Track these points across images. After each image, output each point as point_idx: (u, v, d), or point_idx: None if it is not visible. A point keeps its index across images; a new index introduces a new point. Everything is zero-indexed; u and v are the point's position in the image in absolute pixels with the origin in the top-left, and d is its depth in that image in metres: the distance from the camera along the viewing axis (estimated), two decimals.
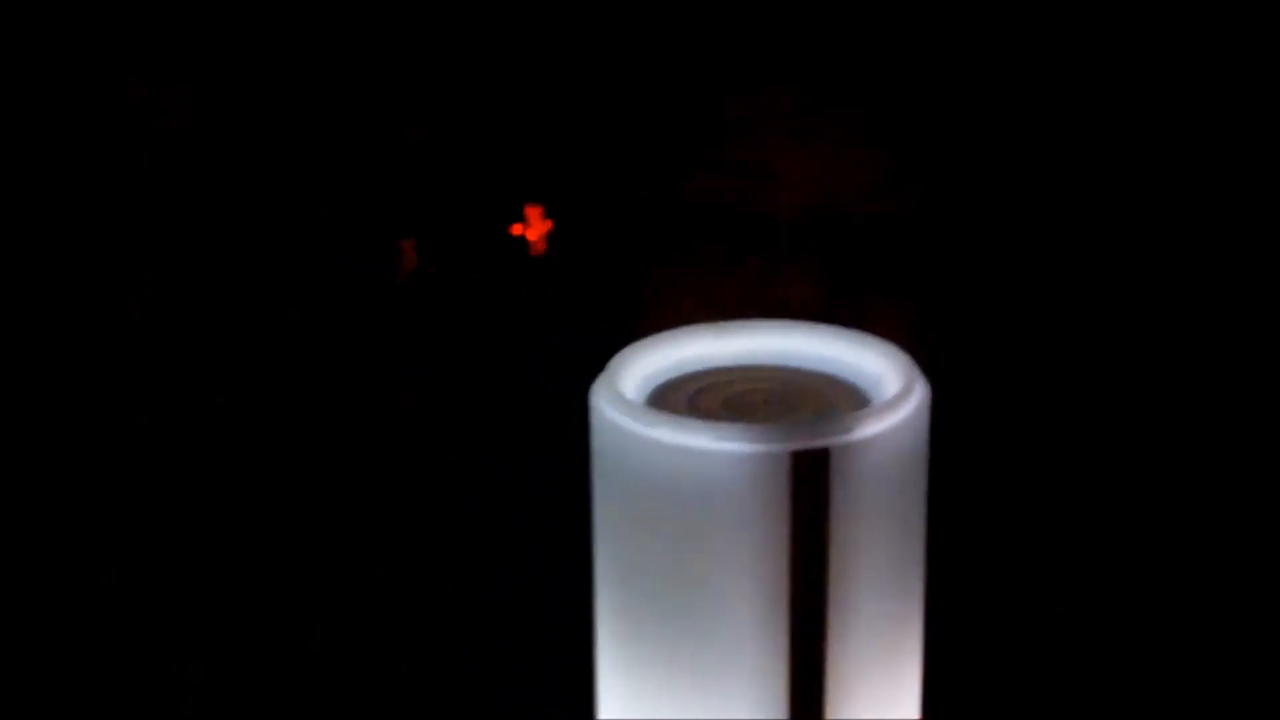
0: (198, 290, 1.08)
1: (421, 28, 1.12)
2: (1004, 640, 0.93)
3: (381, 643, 0.93)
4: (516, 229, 1.10)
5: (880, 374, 0.56)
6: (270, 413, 1.05)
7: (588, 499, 0.58)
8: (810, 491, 0.52)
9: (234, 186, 1.09)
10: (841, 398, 0.57)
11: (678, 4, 1.10)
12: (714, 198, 1.10)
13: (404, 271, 1.09)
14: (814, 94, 1.11)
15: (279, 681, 0.93)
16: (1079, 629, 0.94)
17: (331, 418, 1.05)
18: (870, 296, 1.06)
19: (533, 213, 1.10)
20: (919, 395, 0.55)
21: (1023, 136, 1.10)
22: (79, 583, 0.99)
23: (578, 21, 1.10)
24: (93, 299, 1.06)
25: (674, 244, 1.10)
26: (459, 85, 1.12)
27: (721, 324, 0.60)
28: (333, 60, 1.11)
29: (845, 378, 0.58)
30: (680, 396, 0.57)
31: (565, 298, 1.09)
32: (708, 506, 0.52)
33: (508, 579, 0.96)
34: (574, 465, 0.63)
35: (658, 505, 0.53)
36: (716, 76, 1.11)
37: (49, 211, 1.07)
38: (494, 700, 0.81)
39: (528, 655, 0.88)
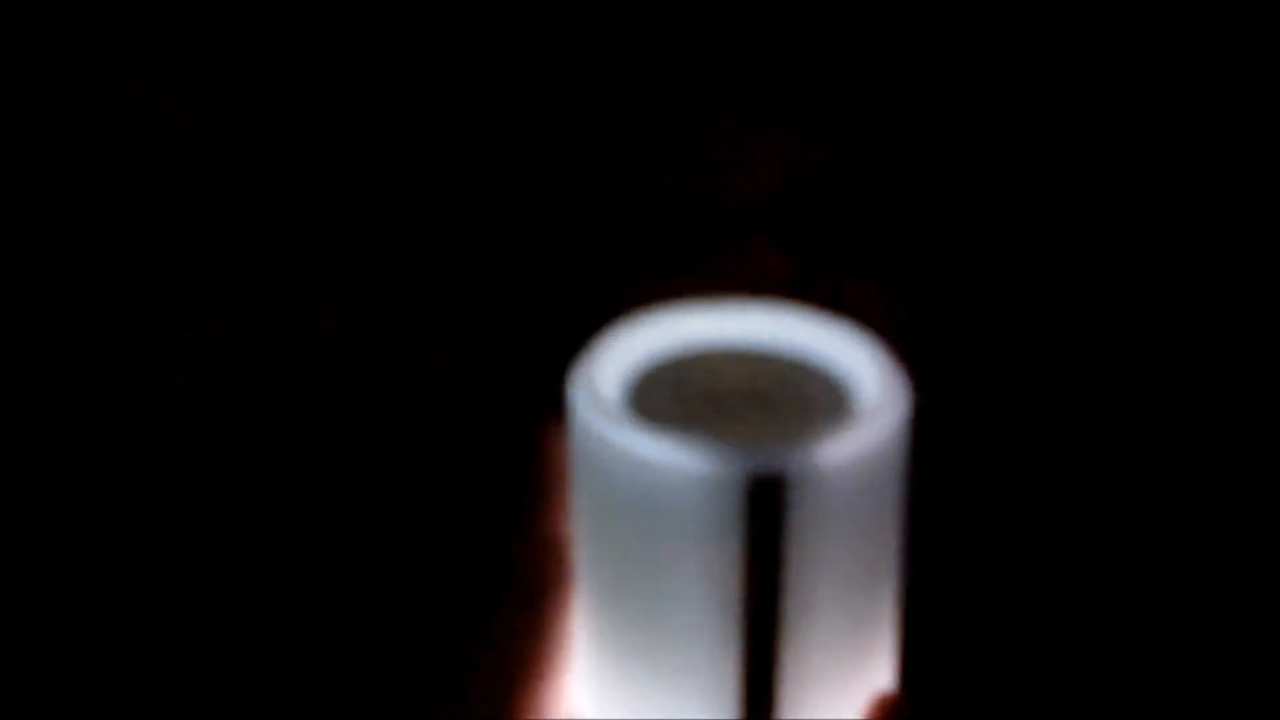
0: (198, 290, 1.08)
1: (422, 28, 1.12)
2: (1004, 642, 0.93)
3: (367, 643, 0.93)
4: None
5: (864, 378, 0.53)
6: (270, 413, 1.05)
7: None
8: (766, 516, 0.49)
9: (234, 186, 1.09)
10: (827, 400, 0.54)
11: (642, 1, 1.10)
12: (682, 186, 1.10)
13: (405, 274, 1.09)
14: (785, 83, 1.11)
15: (277, 681, 0.93)
16: (1079, 631, 0.94)
17: (331, 417, 1.05)
18: (850, 277, 1.06)
19: None
20: (896, 411, 0.51)
21: (1015, 133, 1.10)
22: (72, 583, 0.99)
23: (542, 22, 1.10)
24: (93, 299, 1.06)
25: (645, 233, 1.10)
26: (459, 85, 1.12)
27: (715, 303, 0.56)
28: (332, 60, 1.11)
29: (836, 375, 0.55)
30: (664, 385, 0.54)
31: (542, 290, 1.09)
32: (664, 518, 0.50)
33: (507, 579, 0.95)
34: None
35: (619, 508, 0.51)
36: (685, 71, 1.11)
37: (48, 211, 1.07)
38: (449, 693, 0.80)
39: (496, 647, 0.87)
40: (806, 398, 0.54)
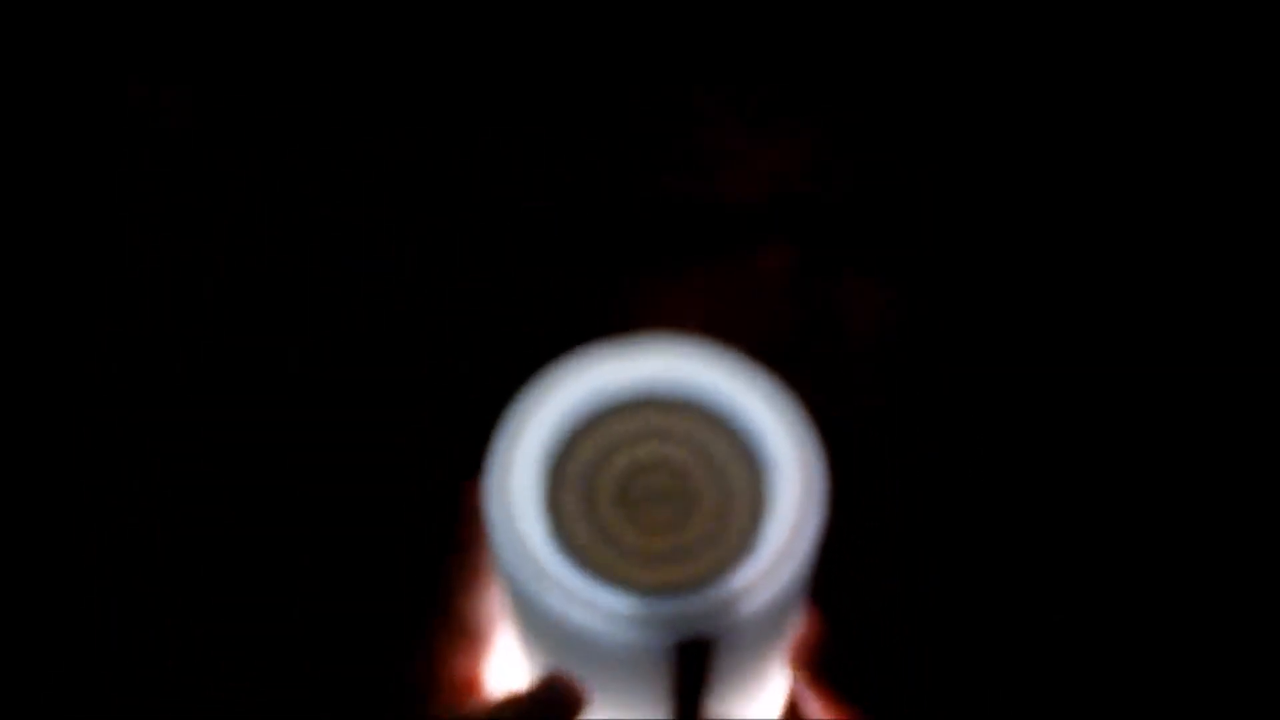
0: (198, 290, 1.08)
1: (421, 28, 1.12)
2: (1003, 642, 0.93)
3: (367, 643, 0.93)
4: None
5: (785, 465, 0.50)
6: (270, 413, 1.05)
7: None
8: (690, 661, 0.49)
9: (234, 186, 1.09)
10: (744, 484, 0.50)
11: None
12: (682, 186, 1.10)
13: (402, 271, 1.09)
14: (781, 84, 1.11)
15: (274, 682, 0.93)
16: (1078, 631, 0.94)
17: (331, 417, 1.05)
18: (850, 277, 1.05)
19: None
20: (812, 527, 0.49)
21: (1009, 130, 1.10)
22: (72, 583, 0.99)
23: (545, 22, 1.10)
24: (93, 299, 1.06)
25: (645, 233, 1.10)
26: (459, 85, 1.12)
27: (631, 344, 0.52)
28: (332, 61, 1.11)
29: (754, 450, 0.51)
30: (578, 470, 0.51)
31: (542, 290, 1.09)
32: (588, 643, 0.49)
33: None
34: None
35: (542, 620, 0.50)
36: (681, 71, 1.11)
37: (48, 211, 1.07)
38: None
39: None
40: (724, 486, 0.51)
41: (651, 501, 0.50)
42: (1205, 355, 1.04)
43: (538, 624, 0.51)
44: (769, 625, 0.51)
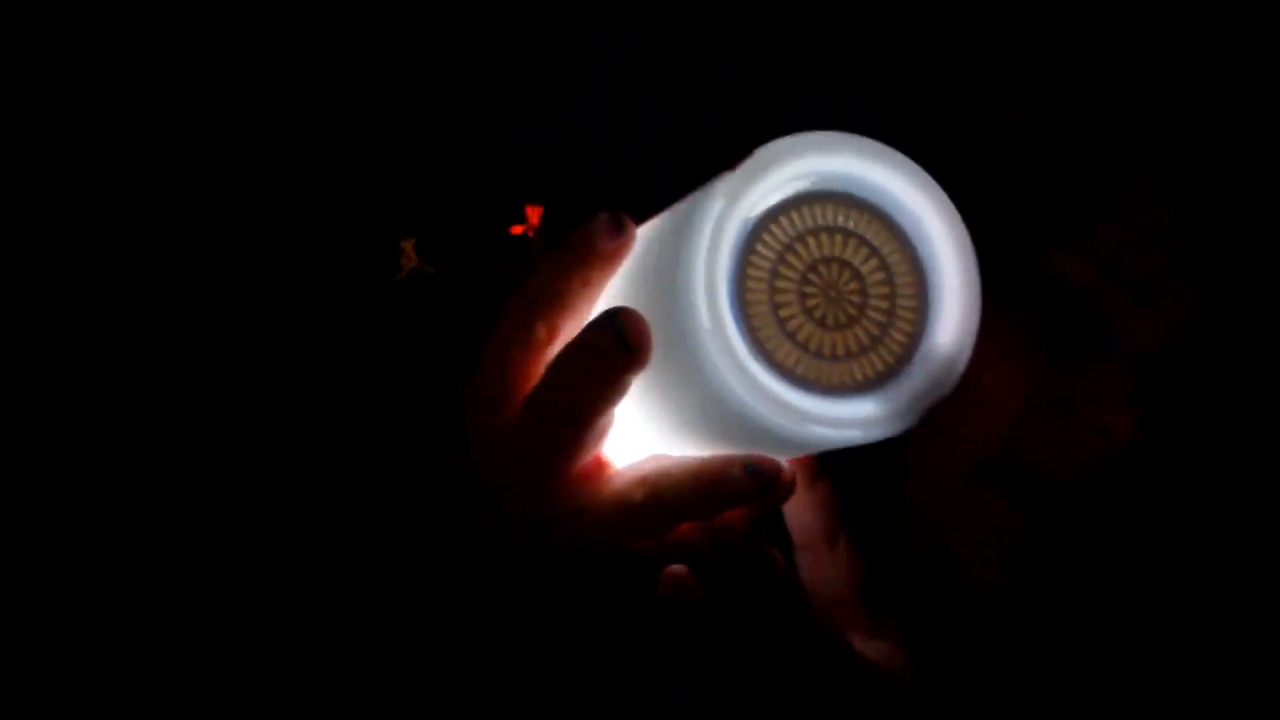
0: (197, 290, 1.08)
1: (421, 28, 1.12)
2: (1004, 643, 0.93)
3: (367, 643, 0.93)
4: (516, 229, 1.10)
5: (947, 263, 0.54)
6: (270, 412, 1.05)
7: None
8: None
9: (234, 186, 1.09)
10: (906, 282, 0.54)
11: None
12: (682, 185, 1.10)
13: (404, 271, 1.09)
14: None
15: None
16: (1077, 632, 0.94)
17: (331, 417, 1.05)
18: None
19: (533, 212, 1.10)
20: (976, 315, 0.54)
21: None
22: (72, 583, 0.99)
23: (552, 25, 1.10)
24: (93, 299, 1.06)
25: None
26: (460, 86, 1.12)
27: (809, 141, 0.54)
28: (332, 61, 1.11)
29: (918, 247, 0.55)
30: (767, 263, 0.53)
31: None
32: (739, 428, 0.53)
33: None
34: None
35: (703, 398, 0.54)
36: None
37: (49, 211, 1.07)
38: None
39: None
40: (891, 281, 0.54)
41: (830, 299, 0.53)
42: (1206, 355, 1.04)
43: (731, 431, 0.53)
44: None
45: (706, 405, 0.52)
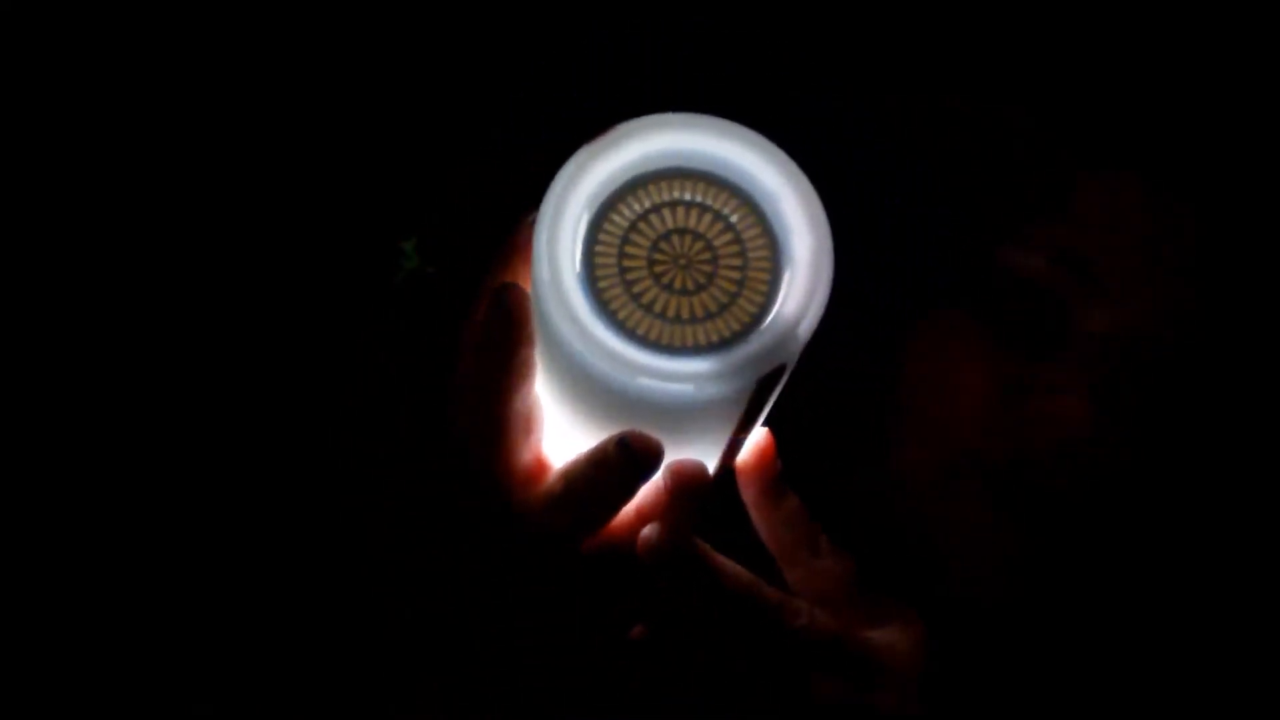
0: (198, 294, 1.08)
1: (421, 29, 1.12)
2: (1002, 643, 0.93)
3: (366, 642, 0.93)
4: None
5: (798, 226, 0.58)
6: (270, 412, 1.05)
7: None
8: (758, 398, 0.57)
9: (234, 186, 1.09)
10: (760, 250, 0.57)
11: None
12: None
13: (404, 271, 1.09)
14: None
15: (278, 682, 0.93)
16: (1077, 632, 0.94)
17: (330, 417, 1.05)
18: None
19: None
20: (827, 280, 0.57)
21: None
22: (72, 583, 0.99)
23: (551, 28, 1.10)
24: (92, 299, 1.06)
25: None
26: (461, 87, 1.12)
27: (653, 122, 0.59)
28: (332, 61, 1.11)
29: (769, 215, 0.58)
30: (615, 237, 0.56)
31: None
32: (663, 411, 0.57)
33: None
34: None
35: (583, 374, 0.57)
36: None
37: (48, 212, 1.07)
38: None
39: None
40: (742, 248, 0.57)
41: (679, 267, 0.56)
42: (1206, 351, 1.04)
43: (607, 401, 0.56)
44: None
45: (569, 368, 0.56)
